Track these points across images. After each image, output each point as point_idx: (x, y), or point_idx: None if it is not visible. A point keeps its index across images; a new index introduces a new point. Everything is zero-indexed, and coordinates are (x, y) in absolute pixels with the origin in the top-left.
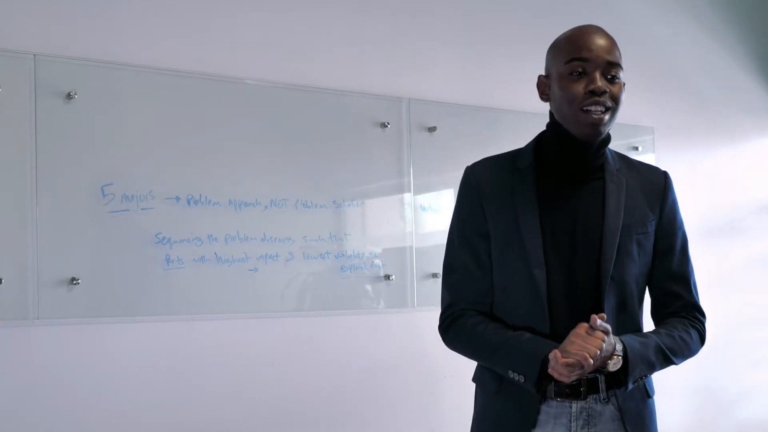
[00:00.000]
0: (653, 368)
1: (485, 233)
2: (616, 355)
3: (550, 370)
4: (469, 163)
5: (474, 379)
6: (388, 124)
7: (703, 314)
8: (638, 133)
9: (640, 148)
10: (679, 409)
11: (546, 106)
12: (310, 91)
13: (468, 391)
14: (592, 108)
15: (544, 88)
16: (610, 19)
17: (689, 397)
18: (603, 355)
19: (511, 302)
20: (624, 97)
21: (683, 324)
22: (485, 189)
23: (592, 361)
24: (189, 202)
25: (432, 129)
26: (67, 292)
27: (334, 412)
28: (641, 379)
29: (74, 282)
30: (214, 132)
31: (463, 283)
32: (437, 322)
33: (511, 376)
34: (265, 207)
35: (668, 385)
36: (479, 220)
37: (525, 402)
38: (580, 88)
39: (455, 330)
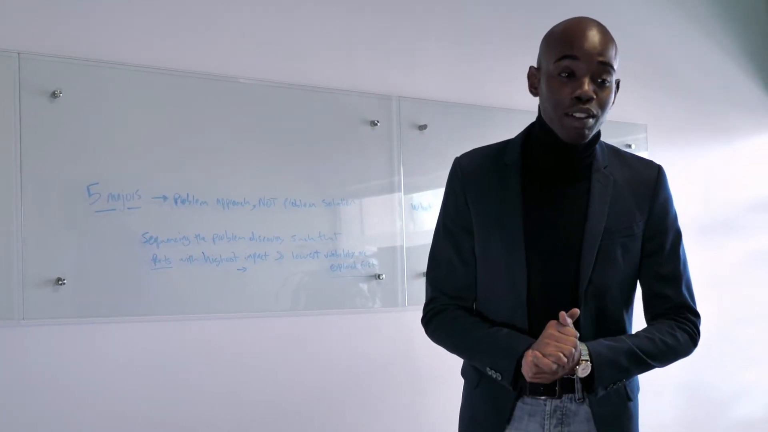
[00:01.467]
0: (627, 373)
1: (469, 228)
2: (583, 359)
3: (523, 371)
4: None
5: (461, 373)
6: (378, 122)
7: (695, 314)
8: (632, 130)
9: (633, 146)
10: (674, 407)
11: (536, 102)
12: (299, 90)
13: (459, 389)
14: (577, 114)
15: (533, 80)
16: (603, 17)
17: (684, 396)
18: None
19: (493, 300)
20: (617, 96)
21: (669, 326)
22: (471, 184)
23: (566, 359)
24: (176, 202)
25: (423, 127)
26: (53, 293)
27: (325, 412)
28: (614, 385)
29: (60, 282)
30: (201, 131)
31: (446, 277)
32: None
33: (489, 372)
34: (254, 206)
35: (662, 384)
36: (463, 215)
37: (500, 398)
38: (566, 92)
39: (436, 324)
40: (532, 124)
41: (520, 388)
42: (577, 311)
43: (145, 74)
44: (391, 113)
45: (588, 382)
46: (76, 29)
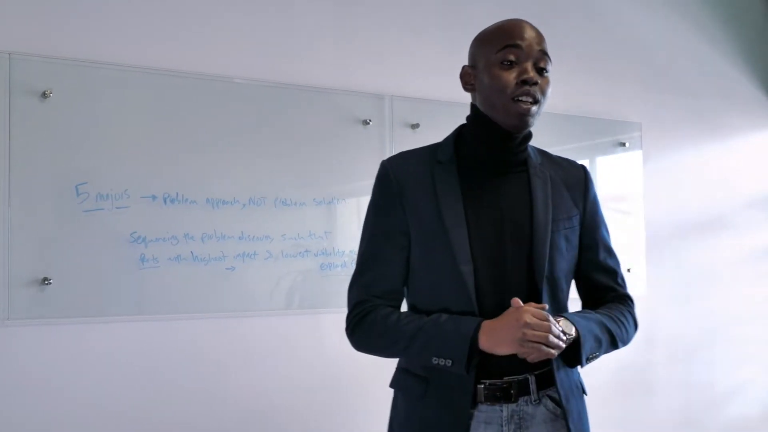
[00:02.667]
0: (600, 345)
1: (405, 230)
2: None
3: (524, 354)
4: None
5: (393, 385)
6: (370, 121)
7: (633, 302)
8: (626, 129)
9: (627, 144)
10: (668, 405)
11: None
12: (290, 89)
13: None
14: (523, 98)
15: (468, 78)
16: (598, 16)
17: (678, 394)
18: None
19: (440, 300)
20: (550, 91)
21: (618, 308)
22: (405, 184)
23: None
24: (165, 201)
25: (415, 126)
26: (39, 292)
27: (316, 411)
28: (592, 358)
29: (46, 282)
30: (190, 130)
31: (378, 280)
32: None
33: (435, 362)
34: (243, 205)
35: (657, 381)
36: (399, 216)
37: (454, 406)
38: (511, 77)
39: (365, 326)
40: (462, 126)
41: (474, 395)
42: (545, 306)
43: (136, 74)
44: (383, 112)
45: (564, 356)
46: (67, 30)
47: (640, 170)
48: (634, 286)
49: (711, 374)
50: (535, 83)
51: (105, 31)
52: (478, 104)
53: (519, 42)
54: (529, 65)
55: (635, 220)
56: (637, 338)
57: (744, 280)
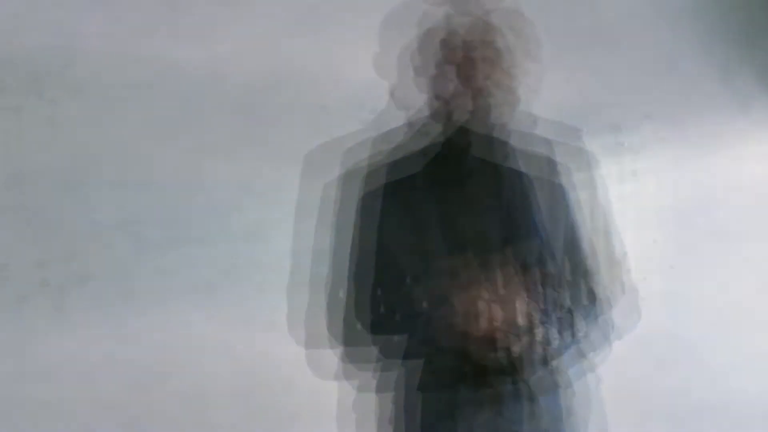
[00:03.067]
0: (565, 347)
1: (382, 240)
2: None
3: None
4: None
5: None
6: (368, 120)
7: (598, 299)
8: (626, 128)
9: (627, 144)
10: (668, 405)
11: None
12: (286, 87)
13: None
14: (462, 103)
15: (416, 78)
16: (598, 15)
17: (676, 394)
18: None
19: (421, 300)
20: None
21: (586, 308)
22: (378, 193)
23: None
24: (162, 191)
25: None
26: (39, 289)
27: (317, 411)
28: (554, 360)
29: (46, 281)
30: (186, 122)
31: (364, 293)
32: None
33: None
34: (243, 199)
35: (655, 381)
36: (376, 226)
37: (442, 390)
38: (453, 83)
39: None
40: (426, 123)
41: (455, 379)
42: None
43: (131, 69)
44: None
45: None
46: (60, 22)
47: (639, 170)
48: (634, 285)
49: (711, 374)
50: (478, 86)
51: (102, 27)
52: (428, 106)
53: (458, 45)
54: (470, 68)
55: (635, 220)
56: (636, 337)
57: (745, 280)
